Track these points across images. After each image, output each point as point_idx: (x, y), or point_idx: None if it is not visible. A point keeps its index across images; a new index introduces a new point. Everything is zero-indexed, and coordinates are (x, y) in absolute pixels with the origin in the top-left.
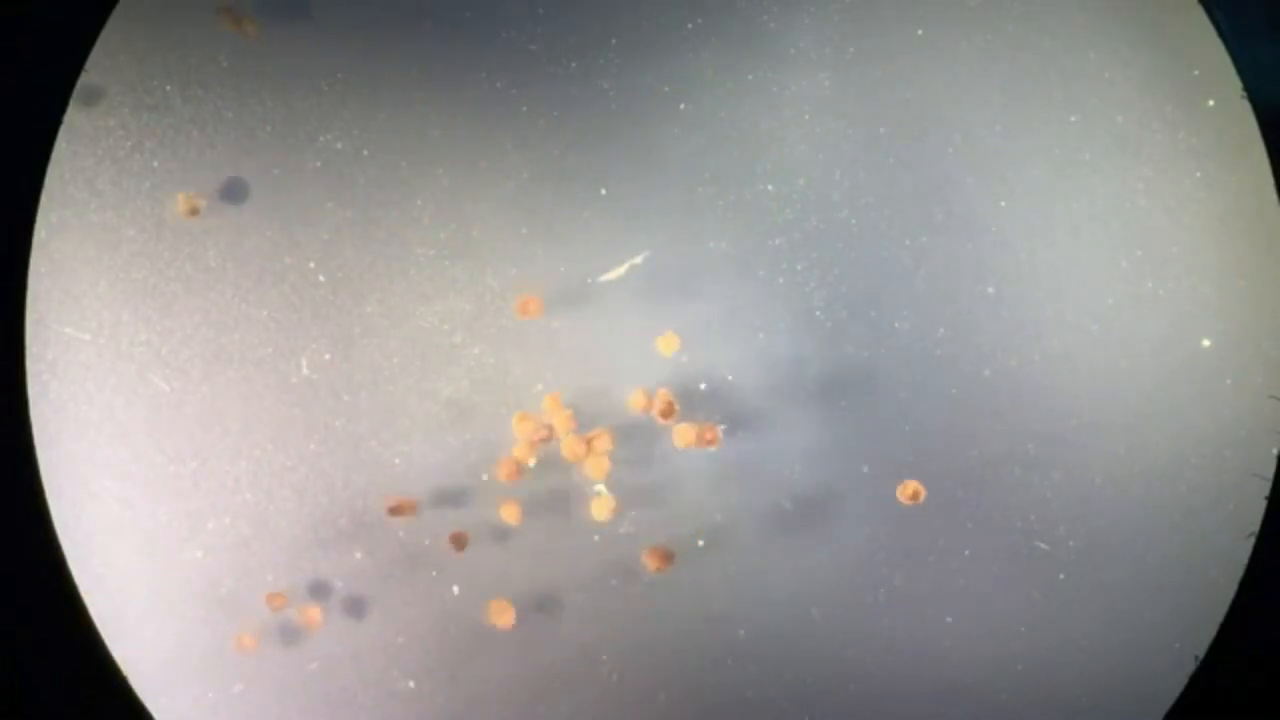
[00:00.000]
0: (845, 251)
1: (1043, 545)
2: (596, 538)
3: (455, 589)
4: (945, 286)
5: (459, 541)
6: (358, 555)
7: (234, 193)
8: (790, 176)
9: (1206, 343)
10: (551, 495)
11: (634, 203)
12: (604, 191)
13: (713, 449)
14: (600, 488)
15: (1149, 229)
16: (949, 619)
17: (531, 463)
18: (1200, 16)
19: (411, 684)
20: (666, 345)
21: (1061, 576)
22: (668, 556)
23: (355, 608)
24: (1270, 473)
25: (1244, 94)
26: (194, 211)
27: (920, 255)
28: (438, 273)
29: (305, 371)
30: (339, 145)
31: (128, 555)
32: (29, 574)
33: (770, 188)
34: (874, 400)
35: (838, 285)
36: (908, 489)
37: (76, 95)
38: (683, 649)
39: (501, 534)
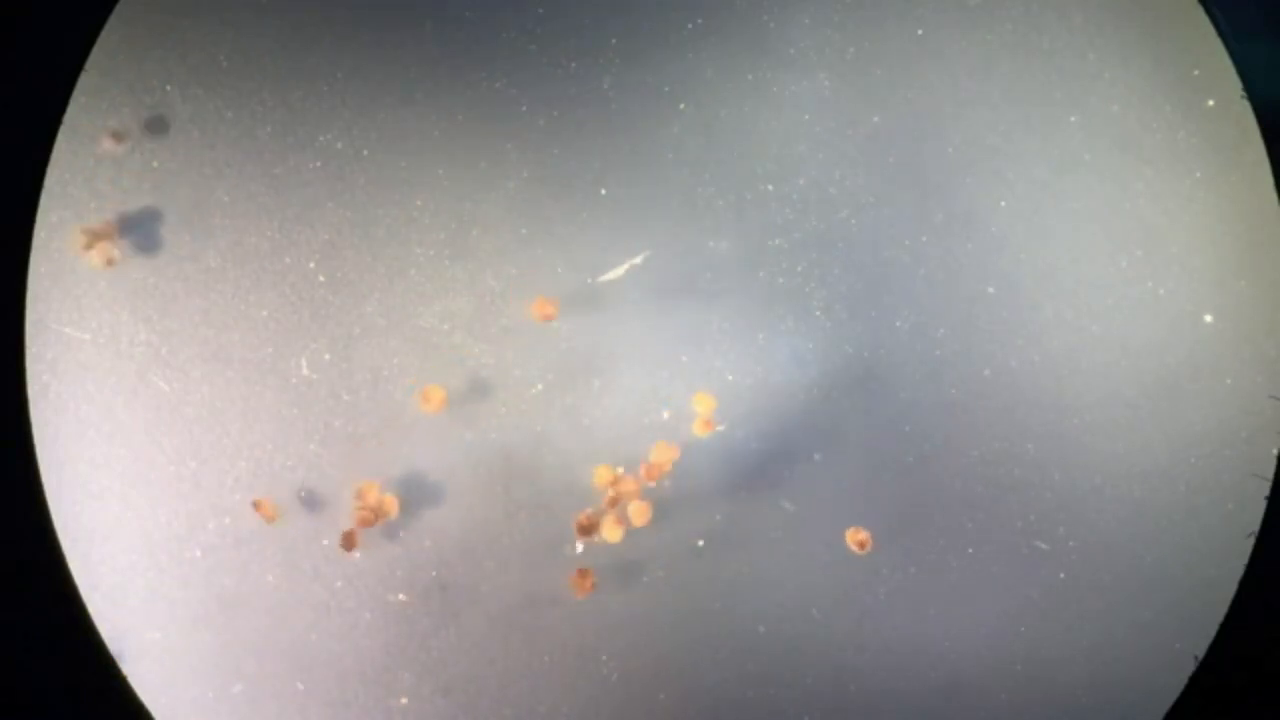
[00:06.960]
0: (845, 251)
1: (1043, 545)
2: (595, 539)
3: (452, 589)
4: (945, 286)
5: (349, 540)
6: (357, 555)
7: (232, 193)
8: (790, 176)
9: (1209, 319)
10: (553, 497)
11: (634, 203)
12: (604, 191)
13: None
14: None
15: (1149, 229)
16: (949, 619)
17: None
18: (1200, 16)
19: (410, 683)
20: (702, 405)
21: (1061, 576)
22: (587, 579)
23: (354, 607)
24: (1270, 473)
25: (1244, 94)
26: (106, 258)
27: (920, 255)
28: (438, 273)
29: (305, 371)
30: (339, 145)
31: (128, 555)
32: (29, 574)
33: (770, 188)
34: (874, 400)
35: (838, 285)
36: (856, 536)
37: (76, 95)
38: (683, 649)
39: (497, 535)
